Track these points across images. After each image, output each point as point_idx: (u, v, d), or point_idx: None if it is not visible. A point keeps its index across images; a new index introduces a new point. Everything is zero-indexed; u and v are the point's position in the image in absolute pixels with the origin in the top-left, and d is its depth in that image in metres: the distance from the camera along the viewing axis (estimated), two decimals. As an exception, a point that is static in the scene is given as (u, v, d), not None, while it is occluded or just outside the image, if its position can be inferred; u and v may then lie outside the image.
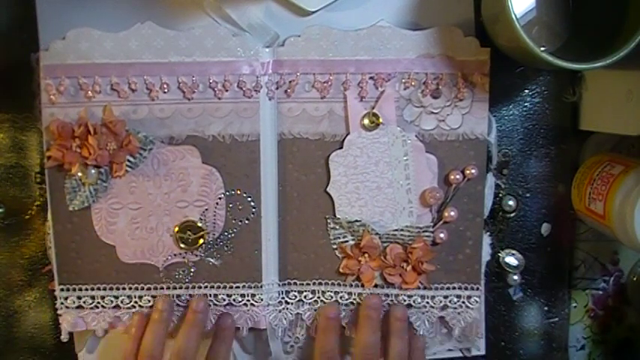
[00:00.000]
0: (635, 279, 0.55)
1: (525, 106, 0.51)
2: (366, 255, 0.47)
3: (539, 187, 0.52)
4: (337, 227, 0.48)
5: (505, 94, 0.51)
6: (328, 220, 0.48)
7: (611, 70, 0.46)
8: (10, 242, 0.51)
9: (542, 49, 0.40)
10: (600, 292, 0.55)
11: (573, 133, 0.52)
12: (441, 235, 0.48)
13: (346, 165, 0.47)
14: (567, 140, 0.52)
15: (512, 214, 0.51)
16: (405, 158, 0.47)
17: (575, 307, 0.55)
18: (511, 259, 0.52)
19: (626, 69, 0.44)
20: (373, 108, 0.47)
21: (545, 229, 0.52)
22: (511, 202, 0.51)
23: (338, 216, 0.48)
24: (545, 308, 0.54)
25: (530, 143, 0.51)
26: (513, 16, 0.40)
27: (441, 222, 0.48)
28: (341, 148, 0.47)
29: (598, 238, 0.53)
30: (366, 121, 0.46)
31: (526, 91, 0.51)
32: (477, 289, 0.49)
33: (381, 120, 0.46)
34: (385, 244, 0.48)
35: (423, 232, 0.48)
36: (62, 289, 0.48)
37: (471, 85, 0.47)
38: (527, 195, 0.52)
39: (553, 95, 0.51)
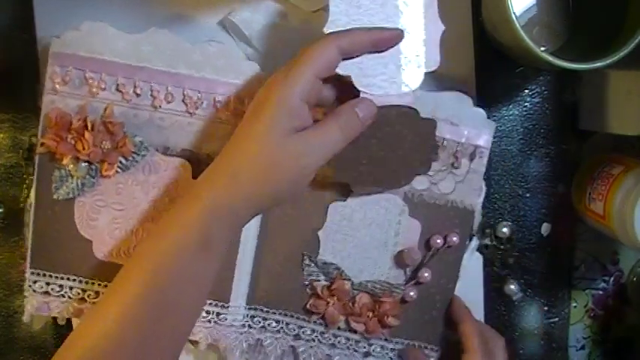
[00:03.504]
0: (635, 279, 0.55)
1: (525, 106, 0.51)
2: (335, 298, 0.47)
3: (539, 187, 0.52)
4: (312, 265, 0.48)
5: (505, 94, 0.51)
6: (305, 257, 0.48)
7: (611, 70, 0.46)
8: (10, 242, 0.51)
9: (542, 49, 0.40)
10: (600, 292, 0.55)
11: (573, 133, 0.52)
12: (411, 294, 0.47)
13: (343, 216, 0.47)
14: (567, 140, 0.52)
15: (507, 246, 0.52)
16: (397, 224, 0.47)
17: (575, 307, 0.54)
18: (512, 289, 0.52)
19: (626, 69, 0.44)
20: None
21: (545, 229, 0.52)
22: (505, 229, 0.51)
23: (319, 257, 0.48)
24: (545, 308, 0.54)
25: (530, 143, 0.52)
26: (513, 16, 0.40)
27: (414, 281, 0.48)
28: (344, 200, 0.47)
29: (598, 238, 0.53)
30: None
31: (526, 91, 0.51)
32: (437, 350, 0.49)
33: None
34: (355, 292, 0.48)
35: (395, 288, 0.48)
36: (32, 273, 0.47)
37: (470, 156, 0.47)
38: (527, 195, 0.52)
39: (553, 95, 0.51)
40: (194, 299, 0.39)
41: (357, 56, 0.40)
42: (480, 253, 0.51)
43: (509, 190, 0.52)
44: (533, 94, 0.51)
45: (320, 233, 0.47)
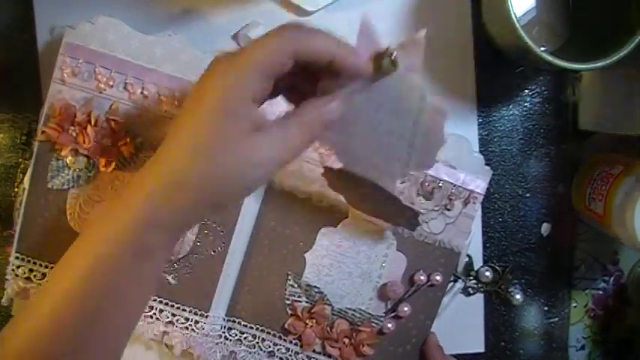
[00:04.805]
0: (635, 279, 0.55)
1: (525, 106, 0.51)
2: (314, 321, 0.48)
3: (539, 187, 0.52)
4: (296, 286, 0.48)
5: (505, 94, 0.51)
6: (289, 277, 0.48)
7: (611, 70, 0.46)
8: (9, 242, 0.50)
9: (542, 49, 0.40)
10: (600, 292, 0.55)
11: (573, 133, 0.52)
12: (389, 326, 0.48)
13: (332, 242, 0.48)
14: (567, 140, 0.52)
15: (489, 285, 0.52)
16: (383, 256, 0.48)
17: (575, 307, 0.54)
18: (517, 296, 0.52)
19: (626, 69, 0.44)
20: None
21: (545, 229, 0.52)
22: (488, 273, 0.51)
23: (303, 279, 0.48)
24: (545, 308, 0.54)
25: (530, 143, 0.52)
26: (513, 16, 0.40)
27: (393, 314, 0.48)
28: (335, 226, 0.47)
29: (598, 238, 0.53)
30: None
31: (526, 91, 0.51)
32: None
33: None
34: (335, 317, 0.48)
35: (374, 318, 0.48)
36: (17, 257, 0.47)
37: (464, 200, 0.47)
38: (527, 195, 0.52)
39: (553, 95, 0.51)
40: (132, 305, 0.35)
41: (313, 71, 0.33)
42: (465, 295, 0.52)
43: (509, 190, 0.52)
44: (533, 94, 0.51)
45: (307, 256, 0.48)
